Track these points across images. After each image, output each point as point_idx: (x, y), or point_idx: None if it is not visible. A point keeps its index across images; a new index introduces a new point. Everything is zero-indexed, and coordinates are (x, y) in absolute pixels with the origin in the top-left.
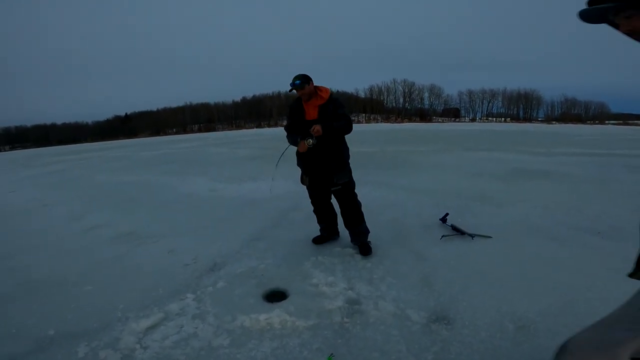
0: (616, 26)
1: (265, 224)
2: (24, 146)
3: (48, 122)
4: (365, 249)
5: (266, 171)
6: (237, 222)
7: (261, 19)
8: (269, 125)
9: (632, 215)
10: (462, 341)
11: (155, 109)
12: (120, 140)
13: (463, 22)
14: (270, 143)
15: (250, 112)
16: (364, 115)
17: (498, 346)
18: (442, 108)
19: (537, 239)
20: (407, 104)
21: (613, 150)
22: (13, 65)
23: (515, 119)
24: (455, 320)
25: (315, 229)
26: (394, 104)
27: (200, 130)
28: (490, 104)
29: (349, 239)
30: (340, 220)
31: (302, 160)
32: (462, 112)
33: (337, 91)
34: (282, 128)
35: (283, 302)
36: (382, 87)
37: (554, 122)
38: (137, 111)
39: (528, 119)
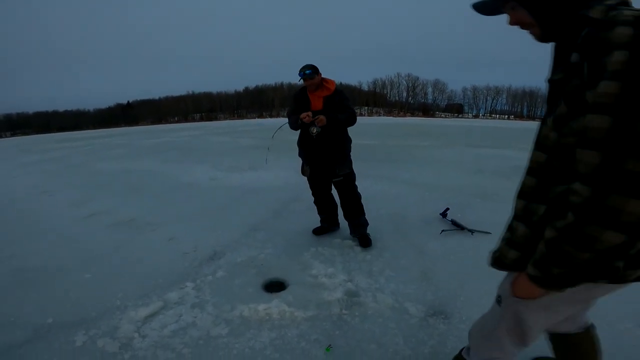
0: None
1: (265, 214)
2: (25, 132)
3: (49, 109)
4: (365, 241)
5: (268, 161)
6: (237, 211)
7: (266, 11)
8: (271, 116)
9: None
10: (458, 336)
11: (157, 98)
12: (121, 128)
13: (470, 19)
14: (271, 133)
15: (252, 102)
16: (366, 108)
17: None
18: (445, 103)
19: None
20: (410, 99)
21: None
22: (16, 53)
23: (519, 116)
24: (453, 315)
25: (315, 220)
26: (397, 98)
27: (202, 119)
28: (494, 101)
29: (349, 230)
30: (340, 211)
31: (305, 150)
32: (466, 108)
33: (341, 83)
34: (285, 119)
35: (282, 293)
36: (386, 81)
37: None
38: (139, 99)
39: (532, 117)
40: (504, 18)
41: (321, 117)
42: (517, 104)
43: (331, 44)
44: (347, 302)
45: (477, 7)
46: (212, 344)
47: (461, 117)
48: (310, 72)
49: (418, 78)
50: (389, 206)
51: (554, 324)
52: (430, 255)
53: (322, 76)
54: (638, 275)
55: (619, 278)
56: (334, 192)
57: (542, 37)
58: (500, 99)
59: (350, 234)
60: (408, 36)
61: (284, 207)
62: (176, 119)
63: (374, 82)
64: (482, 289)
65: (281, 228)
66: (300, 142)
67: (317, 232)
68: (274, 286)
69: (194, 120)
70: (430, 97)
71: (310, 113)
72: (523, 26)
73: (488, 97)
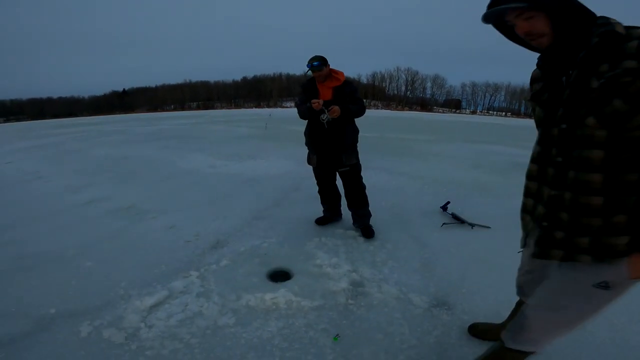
0: (509, 28)
1: (266, 203)
2: (19, 119)
3: (44, 95)
4: (368, 232)
5: (266, 150)
6: (238, 199)
7: (267, 2)
8: (269, 106)
9: None
10: (462, 326)
11: (153, 85)
12: (117, 115)
13: (472, 13)
14: (270, 123)
15: (250, 92)
16: (364, 100)
17: None
18: (443, 99)
19: None
20: (409, 93)
21: None
22: (8, 40)
23: (517, 114)
24: (456, 306)
25: (316, 210)
26: (395, 92)
27: (198, 108)
28: (492, 98)
29: (351, 221)
30: (343, 202)
31: (313, 139)
32: (464, 103)
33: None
34: (282, 109)
35: (287, 282)
36: (385, 74)
37: None
38: (134, 87)
39: (529, 115)
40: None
41: (335, 107)
42: (515, 101)
43: (331, 35)
44: (353, 292)
45: (487, 18)
46: (220, 334)
47: (459, 113)
48: (318, 63)
49: (417, 72)
50: (389, 198)
51: None
52: (431, 247)
53: (330, 67)
54: None
55: None
56: (338, 182)
57: (548, 47)
58: (498, 95)
59: (353, 224)
60: (410, 29)
61: (284, 196)
62: (172, 107)
63: (373, 75)
64: (483, 282)
65: (283, 217)
66: (309, 132)
67: (320, 222)
68: (279, 276)
69: (190, 108)
70: (428, 91)
71: (321, 100)
72: (531, 36)
73: (487, 94)
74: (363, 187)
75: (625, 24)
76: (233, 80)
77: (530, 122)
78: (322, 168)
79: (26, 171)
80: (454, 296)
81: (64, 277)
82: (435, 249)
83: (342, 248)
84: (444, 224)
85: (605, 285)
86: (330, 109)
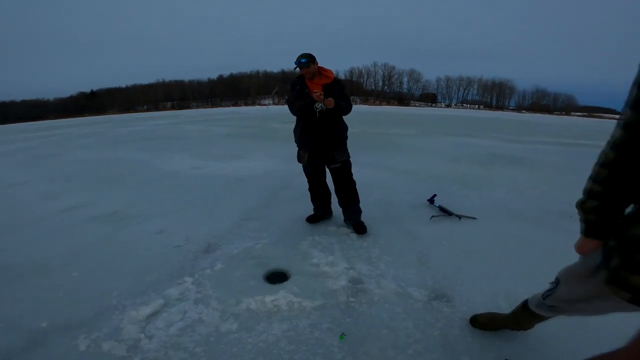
0: None
1: (255, 203)
2: None
3: (6, 99)
4: (360, 228)
5: (251, 149)
6: (226, 201)
7: None
8: (247, 104)
9: None
10: (463, 317)
11: (124, 86)
12: (87, 117)
13: (449, 11)
14: (249, 122)
15: (226, 91)
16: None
17: None
18: (420, 93)
19: (515, 221)
20: (386, 87)
21: (579, 141)
22: None
23: (488, 106)
24: (454, 298)
25: (307, 208)
26: (373, 87)
27: (173, 108)
28: (466, 91)
29: (342, 218)
30: (333, 199)
31: (304, 136)
32: (439, 97)
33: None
34: (260, 107)
35: (286, 283)
36: (363, 70)
37: (524, 111)
38: (103, 88)
39: (500, 107)
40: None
41: (331, 99)
42: (487, 94)
43: (309, 32)
44: (352, 290)
45: None
46: (224, 340)
47: (435, 107)
48: (305, 60)
49: (394, 67)
50: (376, 193)
51: None
52: (423, 240)
53: (318, 65)
54: None
55: None
56: (328, 180)
57: None
58: (471, 89)
59: (345, 221)
60: (387, 25)
61: (273, 196)
62: (145, 107)
63: (351, 71)
64: (477, 272)
65: (273, 217)
66: (301, 129)
67: (311, 220)
68: (276, 277)
69: (165, 108)
70: (405, 86)
71: (322, 92)
72: None
73: (460, 87)
74: (354, 183)
75: (626, 23)
76: (209, 79)
77: (502, 115)
78: (313, 166)
79: None
80: (451, 288)
81: (51, 288)
82: (427, 242)
83: (337, 246)
84: (432, 216)
85: None
86: (326, 99)
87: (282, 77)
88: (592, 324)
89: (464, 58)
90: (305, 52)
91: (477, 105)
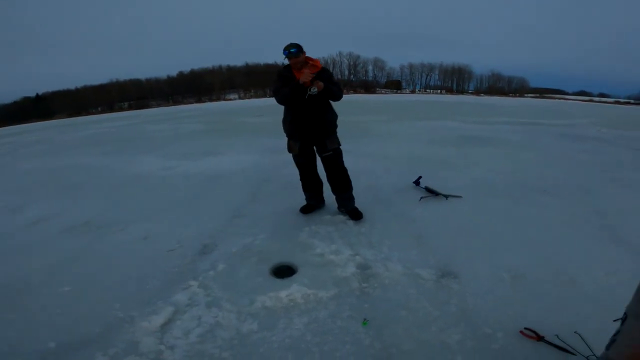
0: None
1: (241, 199)
2: None
3: None
4: (356, 214)
5: (222, 145)
6: (209, 199)
7: None
8: (211, 100)
9: (566, 175)
10: (473, 293)
11: (73, 88)
12: (35, 123)
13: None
14: (216, 117)
15: (188, 88)
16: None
17: (503, 295)
18: (385, 80)
19: (496, 197)
20: (352, 76)
21: (536, 120)
22: None
23: (450, 90)
24: (460, 275)
25: (296, 199)
26: (339, 76)
27: (130, 108)
28: (428, 77)
29: (335, 206)
30: (325, 188)
31: (295, 125)
32: (404, 84)
33: (283, 63)
34: (226, 102)
35: (295, 276)
36: (328, 60)
37: (482, 94)
38: (50, 91)
39: (460, 91)
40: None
41: (319, 82)
42: (447, 79)
43: (273, 23)
44: (362, 276)
45: None
46: (248, 342)
47: (400, 93)
48: (295, 50)
49: (359, 56)
50: (361, 179)
51: None
52: (417, 221)
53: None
54: None
55: None
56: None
57: None
58: (433, 75)
59: (338, 208)
60: (349, 14)
61: (257, 190)
62: (99, 109)
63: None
64: (474, 248)
65: (264, 211)
66: (291, 119)
67: (305, 210)
68: (283, 271)
69: (122, 109)
70: (370, 74)
71: (313, 74)
72: None
73: (423, 74)
74: (346, 170)
75: (627, 23)
76: (168, 76)
77: (463, 98)
78: (304, 155)
79: None
80: (454, 265)
81: (43, 306)
82: (421, 222)
83: (336, 234)
84: (421, 197)
85: None
86: (316, 81)
87: (247, 71)
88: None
89: (425, 45)
90: (293, 41)
91: (439, 90)
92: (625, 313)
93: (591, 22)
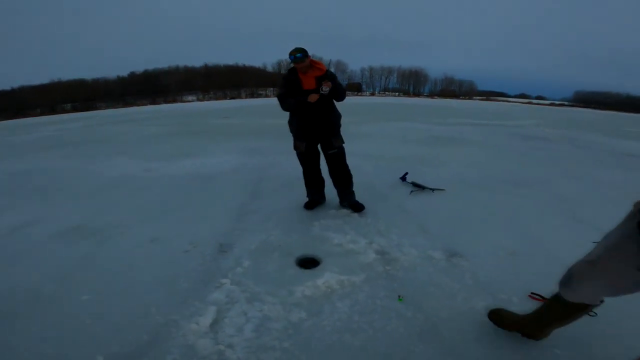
0: None
1: (242, 197)
2: None
3: None
4: (358, 206)
5: (200, 147)
6: (208, 199)
7: None
8: (167, 102)
9: (526, 169)
10: (481, 268)
11: (9, 88)
12: None
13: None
14: (179, 119)
15: (141, 89)
16: (272, 89)
17: (505, 268)
18: (346, 83)
19: (475, 190)
20: None
21: (489, 121)
22: None
23: (407, 93)
24: (466, 254)
25: (297, 196)
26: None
27: (76, 110)
28: (387, 80)
29: (336, 201)
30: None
31: (302, 128)
32: (364, 86)
33: (244, 65)
34: (183, 104)
35: (323, 265)
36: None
37: (436, 96)
38: None
39: (416, 94)
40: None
41: (327, 82)
42: (405, 82)
43: (232, 25)
44: (383, 260)
45: None
46: (303, 329)
47: (361, 95)
48: (301, 55)
49: (322, 58)
50: (355, 176)
51: None
52: (413, 212)
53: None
54: None
55: None
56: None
57: None
58: (392, 77)
59: (341, 202)
60: (310, 15)
61: (255, 189)
62: (39, 111)
63: (279, 63)
64: (470, 233)
65: (268, 208)
66: (297, 122)
67: (309, 206)
68: (309, 262)
69: (65, 111)
70: None
71: (316, 95)
72: None
73: (382, 76)
74: (348, 166)
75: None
76: (118, 77)
77: (421, 101)
78: (310, 153)
79: None
80: (458, 247)
81: (67, 317)
82: (417, 213)
83: (346, 226)
84: (411, 191)
85: None
86: (324, 82)
87: (206, 72)
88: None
89: (383, 49)
90: (298, 46)
91: (397, 93)
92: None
93: (532, 30)
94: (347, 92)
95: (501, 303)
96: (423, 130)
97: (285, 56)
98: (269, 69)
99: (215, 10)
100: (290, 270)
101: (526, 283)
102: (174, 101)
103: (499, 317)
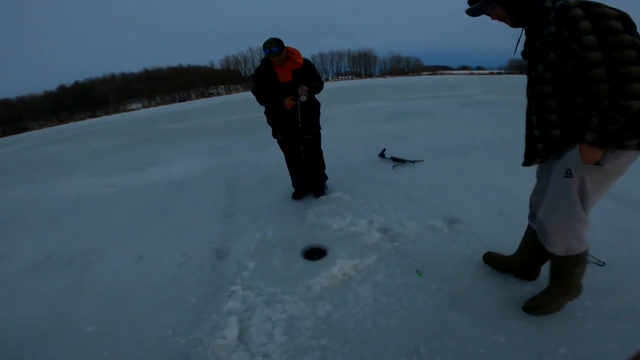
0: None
1: (222, 199)
2: None
3: None
4: (320, 190)
5: (158, 154)
6: (185, 206)
7: None
8: (108, 113)
9: (488, 134)
10: (481, 231)
11: None
12: None
13: None
14: (125, 129)
15: (76, 102)
16: (223, 87)
17: (502, 228)
18: None
19: (449, 157)
20: None
21: (441, 93)
22: None
23: (359, 75)
24: (462, 219)
25: (278, 189)
26: (252, 72)
27: (6, 133)
28: (339, 64)
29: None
30: None
31: (278, 124)
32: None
33: (189, 65)
34: (127, 113)
35: (332, 253)
36: (239, 57)
37: (387, 75)
38: None
39: (369, 75)
40: None
41: (304, 87)
42: (356, 65)
43: (174, 23)
44: (388, 237)
45: (468, 12)
46: (334, 322)
47: None
48: (277, 49)
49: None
50: (331, 159)
51: (597, 199)
52: (401, 186)
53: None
54: None
55: None
56: None
57: (514, 24)
58: (342, 62)
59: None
60: (255, 9)
61: (233, 189)
62: None
63: (226, 60)
64: (459, 197)
65: (253, 206)
66: (273, 117)
67: (297, 196)
68: (316, 253)
69: None
70: None
71: (305, 92)
72: (500, 19)
73: (333, 61)
74: (322, 152)
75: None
76: (46, 92)
77: (373, 81)
78: (290, 140)
79: None
80: (454, 213)
81: (80, 354)
82: (404, 186)
83: (340, 209)
84: (394, 166)
85: (569, 174)
86: (300, 88)
87: (147, 77)
88: None
89: (331, 35)
90: (273, 37)
91: (350, 76)
92: (568, 169)
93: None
94: None
95: None
96: (384, 108)
97: (231, 51)
98: (217, 66)
99: (149, 11)
100: (298, 265)
101: None
102: (117, 111)
103: (491, 259)
